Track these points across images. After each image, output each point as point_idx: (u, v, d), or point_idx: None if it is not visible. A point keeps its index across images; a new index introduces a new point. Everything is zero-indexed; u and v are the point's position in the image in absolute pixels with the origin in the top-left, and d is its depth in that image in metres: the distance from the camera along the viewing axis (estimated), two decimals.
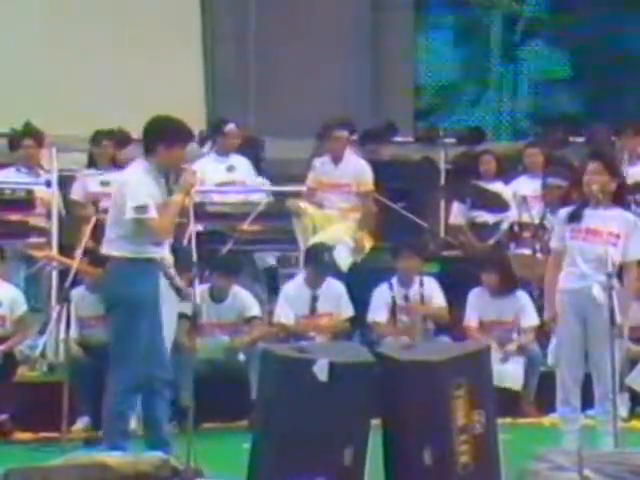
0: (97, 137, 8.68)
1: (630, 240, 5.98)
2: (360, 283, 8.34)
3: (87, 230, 7.45)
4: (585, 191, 6.02)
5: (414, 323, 8.09)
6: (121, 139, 8.66)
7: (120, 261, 5.75)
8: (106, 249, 5.84)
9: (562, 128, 10.34)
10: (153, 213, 5.70)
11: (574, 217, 5.98)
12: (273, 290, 8.51)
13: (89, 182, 8.52)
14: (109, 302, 5.87)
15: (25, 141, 8.57)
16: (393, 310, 8.16)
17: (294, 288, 8.14)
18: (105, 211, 7.61)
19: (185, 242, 6.46)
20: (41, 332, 7.79)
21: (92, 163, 8.70)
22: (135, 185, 5.75)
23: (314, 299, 8.08)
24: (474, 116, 11.72)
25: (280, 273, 8.73)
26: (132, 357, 5.72)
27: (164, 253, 5.86)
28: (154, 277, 5.78)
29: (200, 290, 6.49)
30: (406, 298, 8.17)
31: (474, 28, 11.76)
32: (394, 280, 8.18)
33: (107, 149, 8.57)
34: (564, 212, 6.11)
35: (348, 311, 8.14)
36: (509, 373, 7.95)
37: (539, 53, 11.64)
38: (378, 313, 8.15)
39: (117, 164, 8.34)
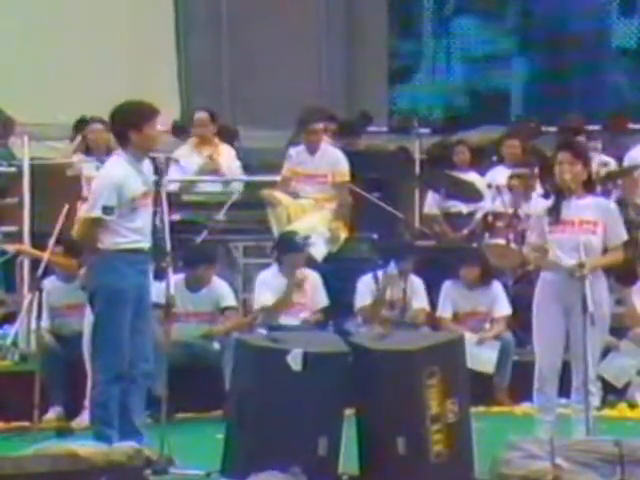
0: (88, 123, 8.60)
1: (609, 225, 6.01)
2: (335, 273, 8.33)
3: (60, 218, 7.39)
4: (558, 181, 6.03)
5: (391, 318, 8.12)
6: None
7: (104, 252, 5.76)
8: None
9: (535, 118, 10.39)
10: (97, 213, 5.72)
11: (552, 211, 5.99)
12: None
13: (83, 166, 8.46)
14: (91, 291, 5.87)
15: None
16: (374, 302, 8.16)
17: (270, 276, 8.12)
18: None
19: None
20: (12, 321, 7.74)
21: (86, 149, 8.60)
22: (101, 186, 5.77)
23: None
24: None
25: (254, 263, 8.69)
26: (111, 347, 5.71)
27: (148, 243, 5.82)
28: (138, 267, 5.77)
29: (175, 280, 6.46)
30: (390, 295, 8.17)
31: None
32: (380, 273, 8.17)
33: (102, 134, 8.49)
34: (541, 207, 6.12)
35: (323, 301, 8.14)
36: (483, 356, 7.97)
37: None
38: (365, 299, 8.16)
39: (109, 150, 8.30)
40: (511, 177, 8.87)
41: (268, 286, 7.98)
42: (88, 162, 8.35)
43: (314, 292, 8.08)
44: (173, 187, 8.59)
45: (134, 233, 5.75)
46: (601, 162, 9.11)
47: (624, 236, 6.05)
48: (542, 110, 10.97)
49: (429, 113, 11.49)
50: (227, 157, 8.70)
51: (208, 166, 8.62)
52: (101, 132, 8.47)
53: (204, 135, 8.70)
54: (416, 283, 8.24)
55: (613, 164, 9.27)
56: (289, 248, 8.02)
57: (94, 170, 8.35)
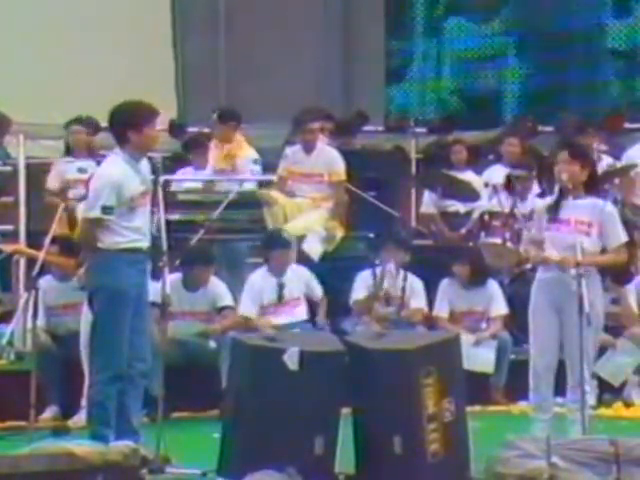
0: (70, 124, 8.62)
1: (605, 227, 6.00)
2: (332, 272, 8.34)
3: (56, 218, 7.39)
4: (557, 181, 6.04)
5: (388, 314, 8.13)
6: (90, 127, 8.61)
7: (104, 252, 5.76)
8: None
9: (532, 117, 10.40)
10: (96, 213, 5.71)
11: (552, 209, 6.00)
12: None
13: (66, 169, 8.47)
14: (91, 291, 5.86)
15: None
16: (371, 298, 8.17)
17: (259, 278, 8.11)
18: (77, 199, 7.64)
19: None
20: (8, 320, 7.74)
21: (68, 151, 8.65)
22: (101, 186, 5.75)
23: (280, 287, 8.06)
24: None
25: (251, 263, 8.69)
26: (111, 347, 5.72)
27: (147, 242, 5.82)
28: (138, 266, 5.77)
29: (172, 279, 6.45)
30: (387, 291, 8.18)
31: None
32: (378, 270, 8.18)
33: (82, 136, 8.52)
34: (541, 204, 6.13)
35: (318, 292, 8.13)
36: (481, 356, 7.98)
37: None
38: (360, 292, 8.17)
39: (91, 151, 8.34)
40: (508, 178, 8.88)
41: (256, 291, 7.94)
42: (68, 163, 8.38)
43: (307, 285, 8.08)
44: (194, 184, 8.64)
45: (133, 232, 5.75)
46: (609, 164, 9.10)
47: (622, 238, 6.03)
48: (535, 110, 11.00)
49: (424, 113, 11.50)
50: (242, 158, 8.61)
51: (219, 165, 8.61)
52: (80, 134, 8.49)
53: (217, 135, 8.65)
54: (415, 283, 8.25)
55: (619, 166, 9.25)
56: (276, 244, 8.01)
57: (76, 171, 8.42)
